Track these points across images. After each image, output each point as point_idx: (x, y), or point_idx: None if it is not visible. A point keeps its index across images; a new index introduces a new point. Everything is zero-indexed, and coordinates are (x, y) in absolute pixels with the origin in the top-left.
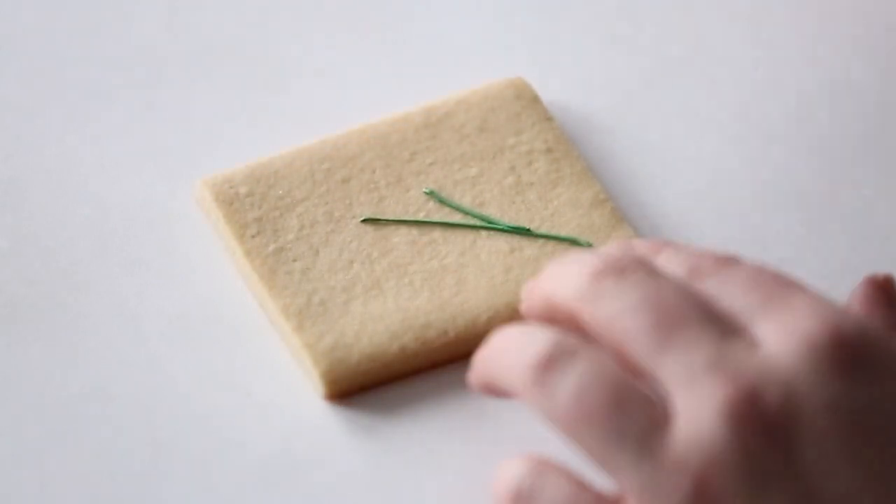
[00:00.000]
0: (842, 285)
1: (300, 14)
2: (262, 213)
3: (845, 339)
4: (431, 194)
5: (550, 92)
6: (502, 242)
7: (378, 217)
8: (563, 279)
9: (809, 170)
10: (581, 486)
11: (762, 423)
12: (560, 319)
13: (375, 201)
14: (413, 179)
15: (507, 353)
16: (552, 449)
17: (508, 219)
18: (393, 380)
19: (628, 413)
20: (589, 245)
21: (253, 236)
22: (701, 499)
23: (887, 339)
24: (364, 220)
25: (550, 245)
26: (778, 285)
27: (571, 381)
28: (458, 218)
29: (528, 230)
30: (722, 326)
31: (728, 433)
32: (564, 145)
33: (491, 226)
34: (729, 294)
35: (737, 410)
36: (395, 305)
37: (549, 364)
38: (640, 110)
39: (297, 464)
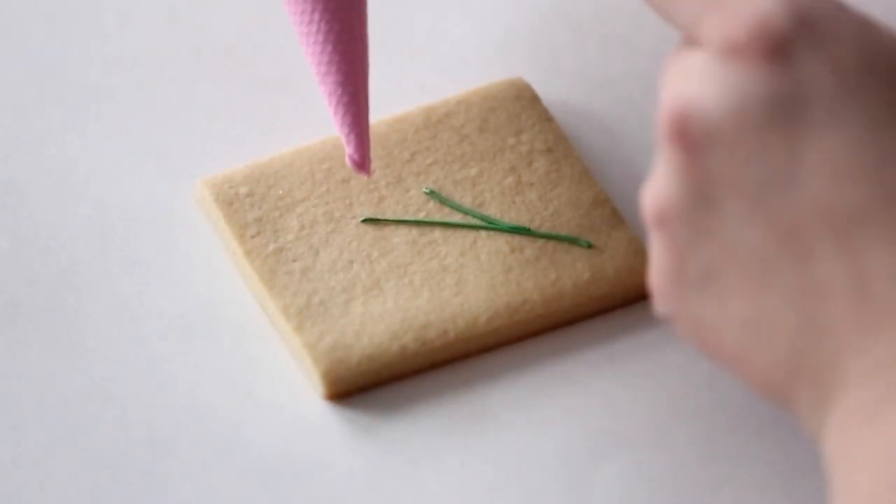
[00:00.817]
0: None
1: None
2: (262, 213)
3: (775, 27)
4: (431, 194)
5: (550, 92)
6: (502, 242)
7: (378, 217)
8: None
9: None
10: None
11: (688, 144)
12: None
13: (375, 201)
14: (413, 179)
15: None
16: (551, 449)
17: (508, 219)
18: (393, 380)
19: None
20: (589, 245)
21: (253, 236)
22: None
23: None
24: (364, 220)
25: (550, 245)
26: None
27: None
28: (458, 218)
29: (529, 230)
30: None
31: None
32: (564, 145)
33: (491, 226)
34: None
35: (672, 133)
36: (395, 305)
37: None
38: (640, 110)
39: (297, 464)
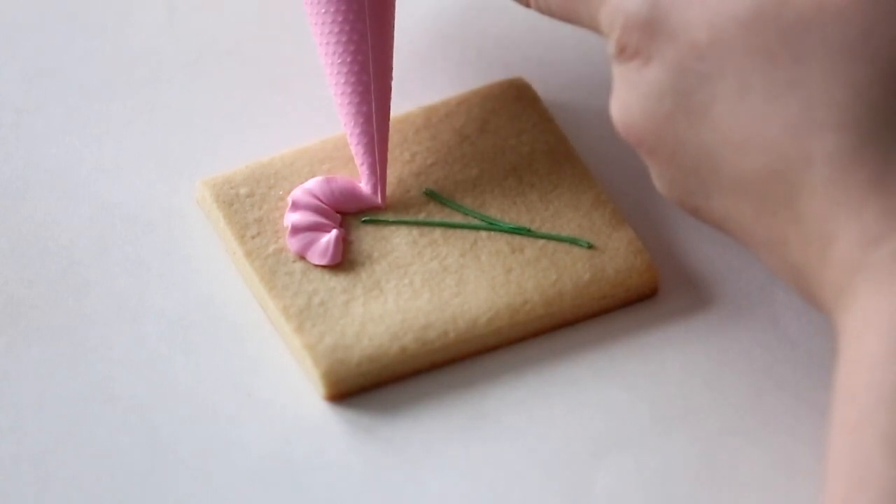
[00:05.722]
0: None
1: (300, 14)
2: (262, 213)
3: None
4: (432, 195)
5: (550, 92)
6: (503, 243)
7: (378, 217)
8: None
9: None
10: None
11: (640, 148)
12: None
13: None
14: (413, 180)
15: None
16: (552, 449)
17: (509, 219)
18: (393, 380)
19: None
20: (589, 246)
21: (253, 237)
22: None
23: None
24: (364, 221)
25: (551, 246)
26: None
27: None
28: (458, 218)
29: (529, 231)
30: None
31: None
32: (565, 146)
33: (491, 226)
34: None
35: (628, 142)
36: (395, 306)
37: None
38: None
39: (297, 464)
